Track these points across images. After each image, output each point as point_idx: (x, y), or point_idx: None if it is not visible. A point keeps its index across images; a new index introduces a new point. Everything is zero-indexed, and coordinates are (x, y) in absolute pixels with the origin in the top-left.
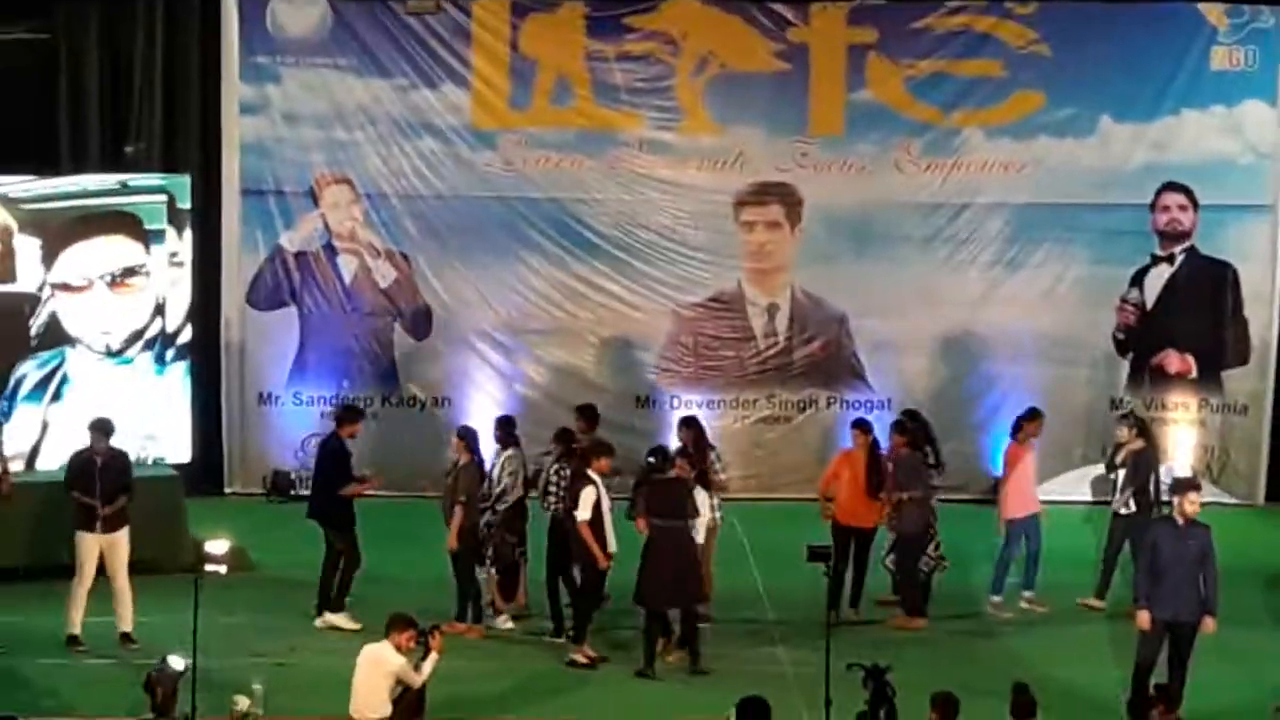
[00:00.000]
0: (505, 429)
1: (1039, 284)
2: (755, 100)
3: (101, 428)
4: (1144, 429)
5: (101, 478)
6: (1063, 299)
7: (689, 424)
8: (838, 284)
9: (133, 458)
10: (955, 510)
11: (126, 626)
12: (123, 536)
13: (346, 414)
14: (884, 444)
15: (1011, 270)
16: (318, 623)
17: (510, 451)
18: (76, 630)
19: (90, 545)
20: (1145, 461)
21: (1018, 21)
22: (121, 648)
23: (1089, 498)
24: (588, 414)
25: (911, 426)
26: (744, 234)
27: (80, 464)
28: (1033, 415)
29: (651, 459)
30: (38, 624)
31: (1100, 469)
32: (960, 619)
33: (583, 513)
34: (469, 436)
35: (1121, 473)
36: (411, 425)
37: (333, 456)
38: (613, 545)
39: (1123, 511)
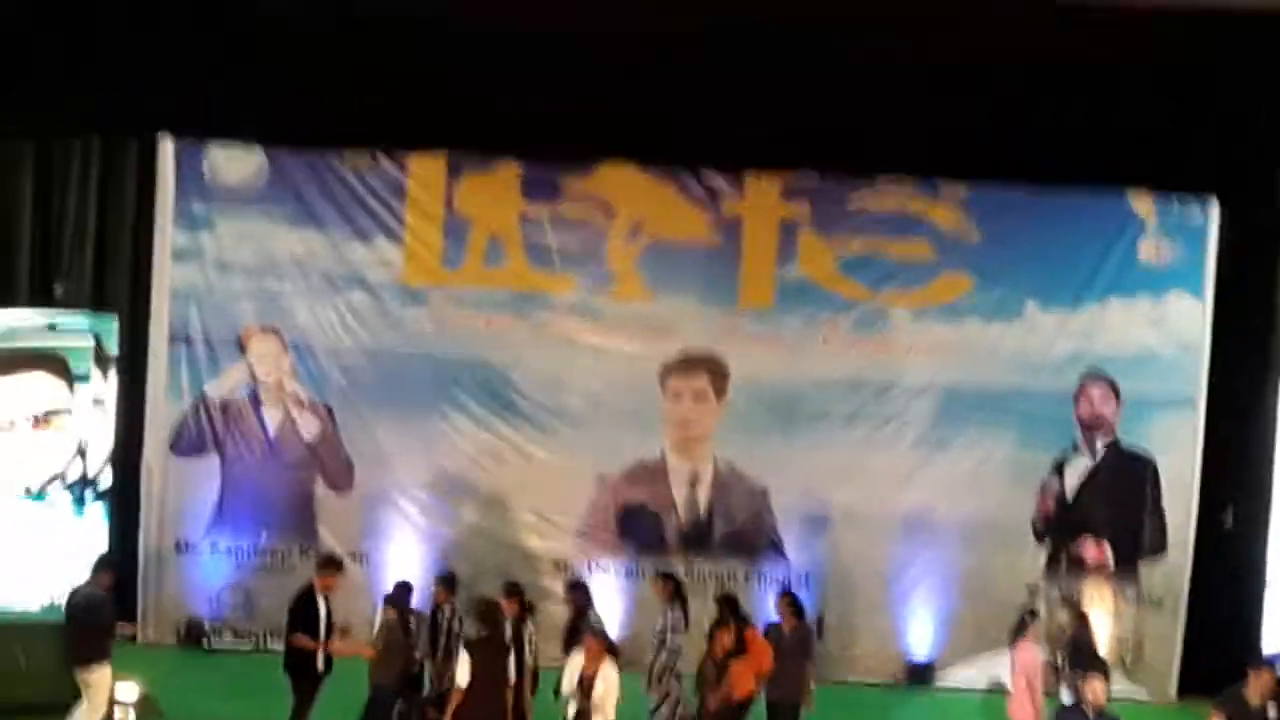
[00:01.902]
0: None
1: (963, 465)
2: (687, 270)
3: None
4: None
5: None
6: (986, 481)
7: (575, 588)
8: (760, 457)
9: (47, 601)
10: (868, 694)
11: None
12: None
13: (324, 564)
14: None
15: (936, 450)
16: None
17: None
18: None
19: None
20: (1087, 643)
21: (949, 205)
22: None
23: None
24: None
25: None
26: (669, 403)
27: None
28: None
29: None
30: None
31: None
32: None
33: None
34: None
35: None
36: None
37: (298, 602)
38: None
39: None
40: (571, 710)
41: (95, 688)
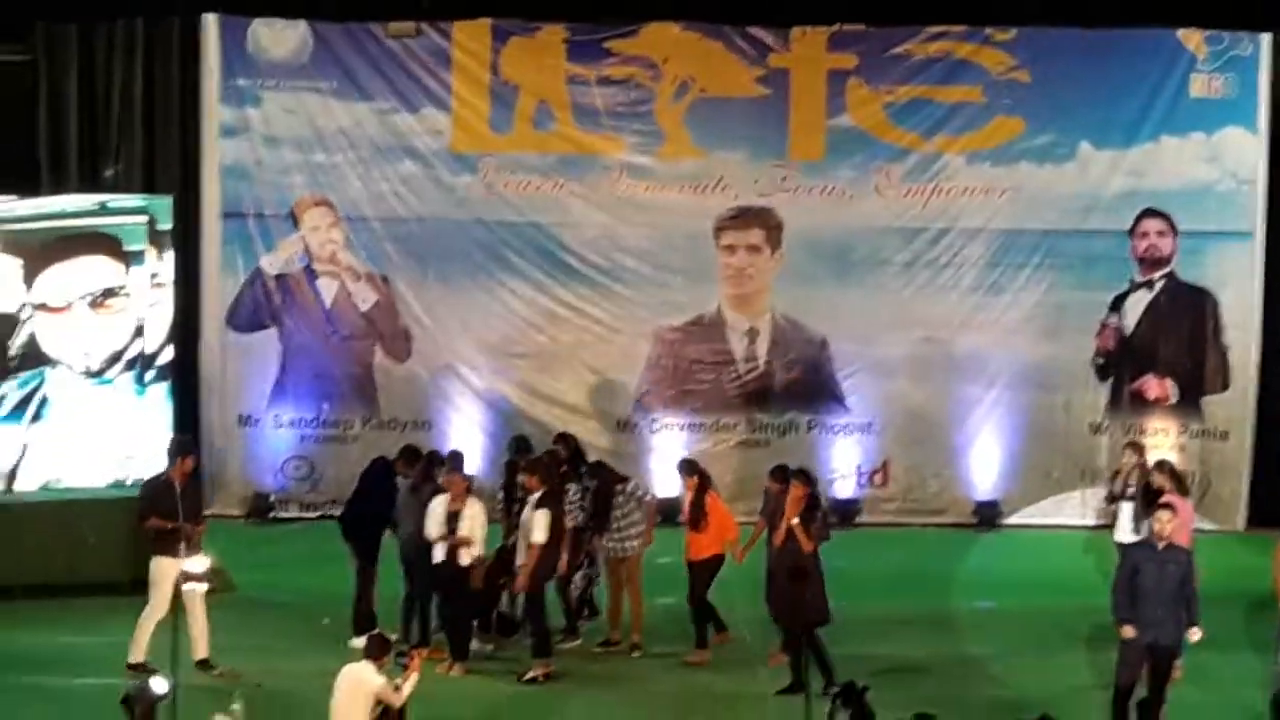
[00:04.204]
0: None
1: (1019, 309)
2: (736, 125)
3: (183, 448)
4: (1178, 476)
5: (183, 501)
6: (1043, 324)
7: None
8: (818, 308)
9: (112, 478)
10: (938, 535)
11: (203, 653)
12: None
13: (403, 454)
14: None
15: (992, 295)
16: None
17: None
18: (142, 659)
19: (170, 570)
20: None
21: (997, 48)
22: (202, 672)
23: (1069, 522)
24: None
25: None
26: (724, 257)
27: (160, 488)
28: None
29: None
30: (31, 642)
31: (1076, 494)
32: (944, 642)
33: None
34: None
35: (1127, 504)
36: (391, 449)
37: (378, 482)
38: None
39: (1132, 539)
40: (441, 551)
41: (153, 582)
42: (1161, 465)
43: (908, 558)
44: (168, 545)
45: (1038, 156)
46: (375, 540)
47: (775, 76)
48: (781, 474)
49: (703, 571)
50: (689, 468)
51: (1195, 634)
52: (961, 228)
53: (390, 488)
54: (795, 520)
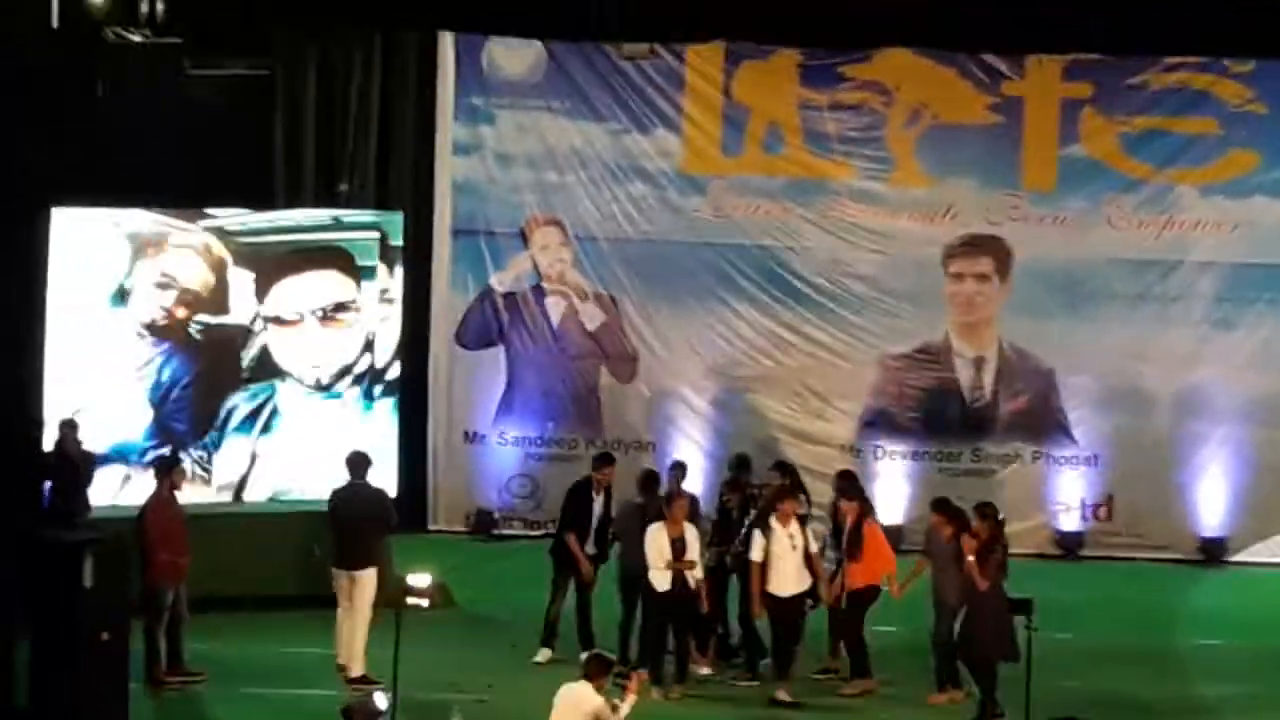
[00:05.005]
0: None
1: (1250, 345)
2: (967, 152)
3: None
4: None
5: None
6: (1273, 360)
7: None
8: (1046, 339)
9: None
10: (1161, 571)
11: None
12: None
13: (599, 460)
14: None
15: (1222, 330)
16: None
17: None
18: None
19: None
20: None
21: (1235, 80)
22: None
23: None
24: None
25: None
26: (953, 285)
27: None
28: None
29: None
30: (249, 652)
31: None
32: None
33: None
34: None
35: None
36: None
37: (571, 497)
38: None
39: None
40: (666, 579)
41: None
42: None
43: (1131, 592)
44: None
45: (1272, 190)
46: (557, 554)
47: (1008, 104)
48: (944, 508)
49: (856, 602)
50: (849, 488)
51: None
52: (1193, 261)
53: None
54: (970, 558)
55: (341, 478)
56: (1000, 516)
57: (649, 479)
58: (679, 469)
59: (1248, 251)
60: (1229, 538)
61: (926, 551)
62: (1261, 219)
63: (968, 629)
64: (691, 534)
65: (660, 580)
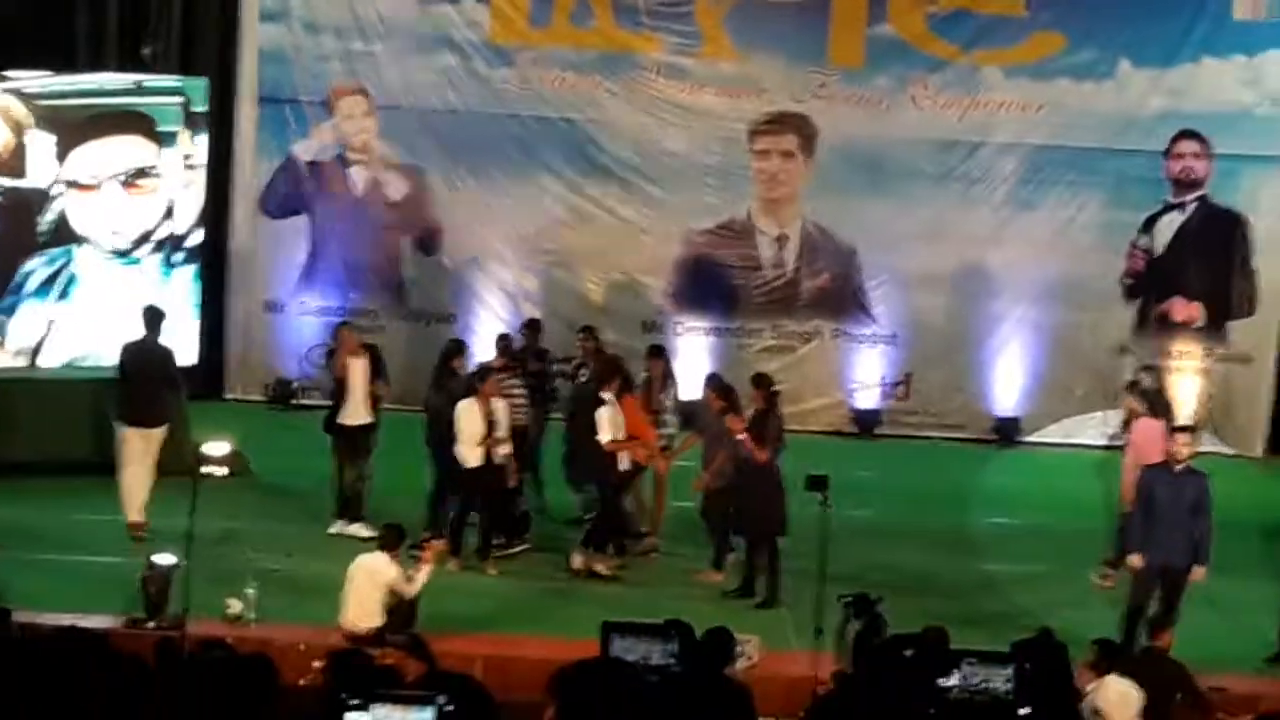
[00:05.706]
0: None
1: (1051, 226)
2: (775, 29)
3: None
4: (1151, 398)
5: None
6: (1074, 242)
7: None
8: (848, 217)
9: None
10: (958, 450)
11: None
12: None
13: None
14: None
15: (1024, 210)
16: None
17: None
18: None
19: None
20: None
21: None
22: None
23: (1091, 441)
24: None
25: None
26: (757, 162)
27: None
28: None
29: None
30: (42, 519)
31: (1099, 414)
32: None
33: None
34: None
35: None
36: (416, 340)
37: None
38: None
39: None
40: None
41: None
42: (1132, 386)
43: (926, 471)
44: None
45: (1076, 73)
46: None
47: None
48: (714, 383)
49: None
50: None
51: (1199, 573)
52: (996, 143)
53: None
54: (742, 435)
55: None
56: (774, 388)
57: (455, 350)
58: (532, 327)
59: (1051, 133)
60: (1023, 418)
61: (698, 427)
62: (1065, 101)
63: (741, 503)
64: (501, 409)
65: (471, 457)
